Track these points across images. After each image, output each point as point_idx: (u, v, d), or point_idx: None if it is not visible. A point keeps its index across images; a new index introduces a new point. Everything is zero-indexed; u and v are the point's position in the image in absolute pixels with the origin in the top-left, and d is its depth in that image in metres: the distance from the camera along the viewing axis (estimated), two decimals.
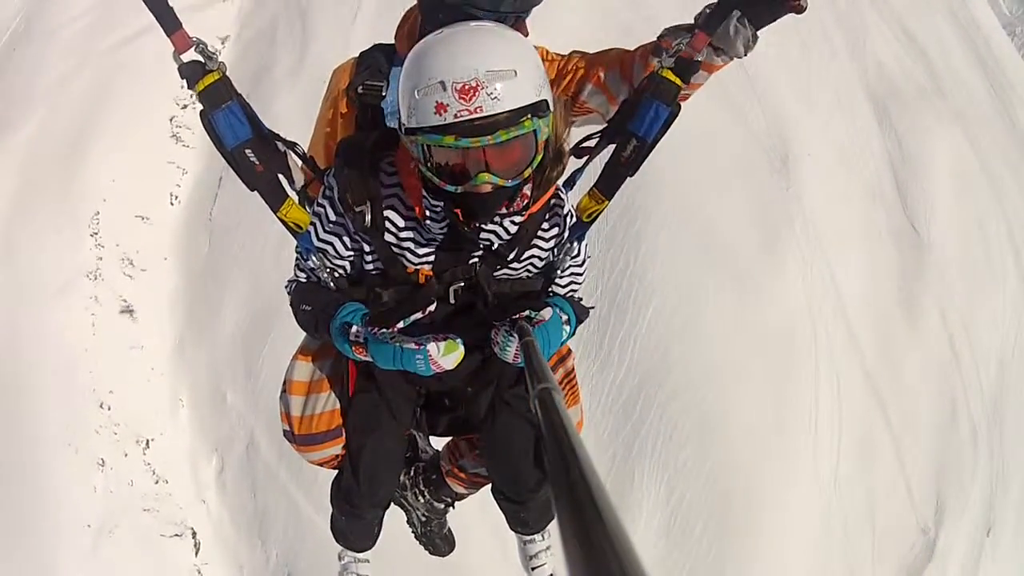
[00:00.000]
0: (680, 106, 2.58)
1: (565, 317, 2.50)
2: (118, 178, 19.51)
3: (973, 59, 29.70)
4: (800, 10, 2.67)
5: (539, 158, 2.25)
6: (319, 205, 2.58)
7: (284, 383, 3.10)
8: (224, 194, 18.09)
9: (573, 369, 3.30)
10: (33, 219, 19.08)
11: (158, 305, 18.82)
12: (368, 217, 2.46)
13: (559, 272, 2.77)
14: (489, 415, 3.01)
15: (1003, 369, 18.00)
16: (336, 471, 3.26)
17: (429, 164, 2.17)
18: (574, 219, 2.72)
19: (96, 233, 18.94)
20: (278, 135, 2.72)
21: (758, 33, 2.72)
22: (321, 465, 3.24)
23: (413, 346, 2.23)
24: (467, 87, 1.95)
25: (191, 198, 19.73)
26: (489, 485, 3.50)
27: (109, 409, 15.97)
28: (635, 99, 2.58)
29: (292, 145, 2.76)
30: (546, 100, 2.15)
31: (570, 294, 2.88)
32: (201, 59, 2.46)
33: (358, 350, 2.38)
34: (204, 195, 18.76)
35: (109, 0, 25.85)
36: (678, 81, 2.51)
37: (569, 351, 3.28)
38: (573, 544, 0.72)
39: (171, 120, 21.18)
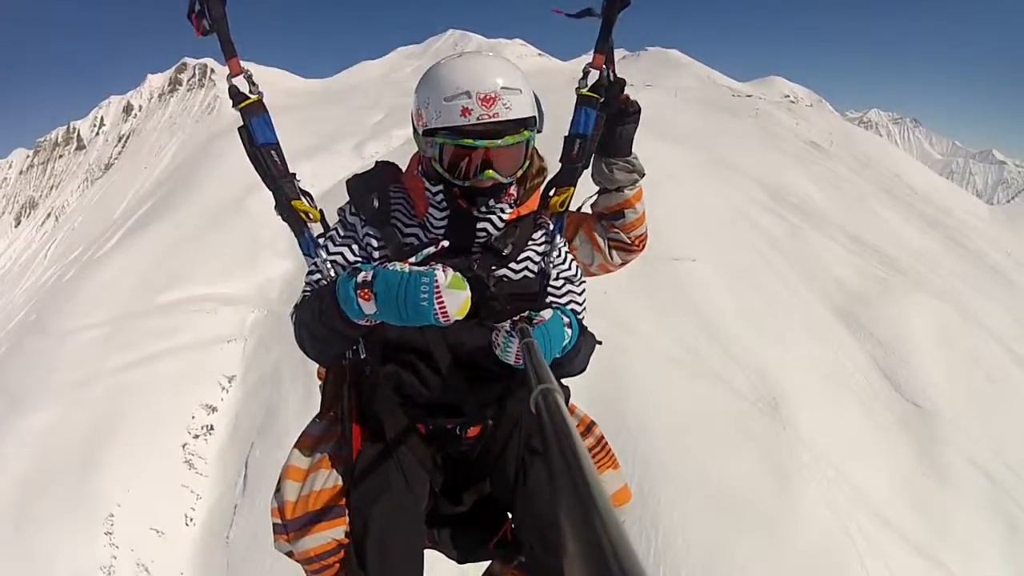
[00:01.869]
0: (600, 107, 3.07)
1: (567, 320, 2.53)
2: (132, 490, 20.49)
3: (920, 223, 32.59)
4: (634, 106, 3.19)
5: (527, 164, 2.63)
6: (332, 230, 2.79)
7: (280, 477, 2.82)
8: (241, 520, 18.66)
9: (603, 436, 3.21)
10: (45, 508, 19.95)
11: None
12: (376, 202, 2.71)
13: (553, 278, 2.85)
14: (520, 472, 2.78)
15: None
16: None
17: (442, 160, 2.51)
18: (552, 227, 2.93)
19: (110, 533, 19.46)
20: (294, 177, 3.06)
21: (630, 159, 3.22)
22: (319, 568, 2.69)
23: (420, 269, 2.20)
24: (488, 97, 2.35)
25: (207, 521, 20.51)
26: None
27: None
28: (570, 131, 3.05)
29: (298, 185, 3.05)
30: (535, 117, 2.56)
31: (571, 305, 2.86)
32: (246, 85, 2.98)
33: (364, 294, 2.25)
34: (220, 520, 19.52)
35: (122, 319, 28.21)
36: (593, 95, 3.01)
37: (593, 421, 3.23)
38: (575, 541, 0.75)
39: (183, 447, 22.53)
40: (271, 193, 3.03)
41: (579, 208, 3.39)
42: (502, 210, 2.69)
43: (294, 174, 3.05)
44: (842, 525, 15.96)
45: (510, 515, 2.95)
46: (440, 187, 2.60)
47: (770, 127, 43.82)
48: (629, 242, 3.35)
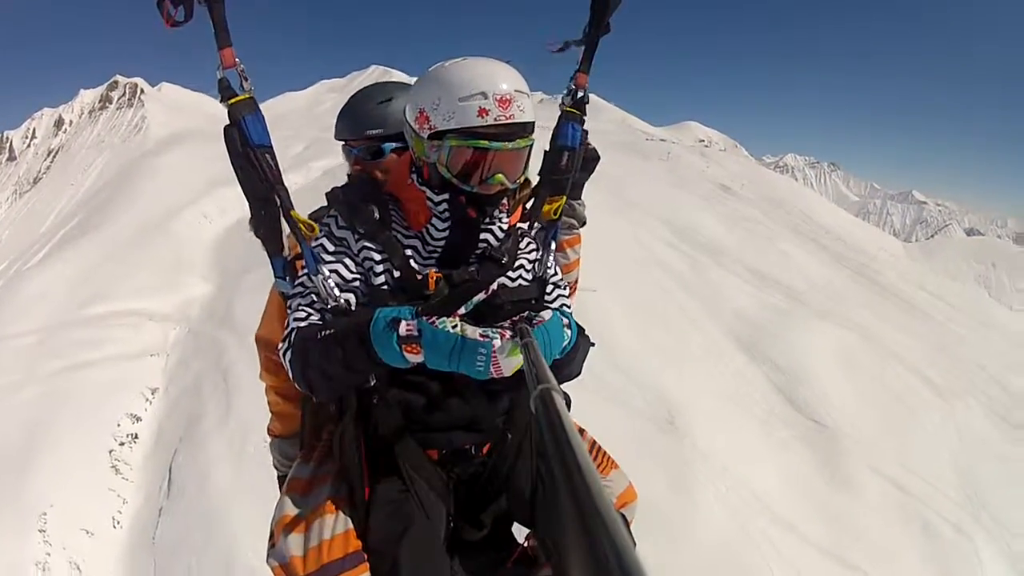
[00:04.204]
0: (584, 122, 3.18)
1: (566, 321, 2.48)
2: (63, 492, 20.87)
3: (828, 260, 34.16)
4: (593, 154, 3.36)
5: (526, 170, 2.59)
6: (315, 247, 2.60)
7: (273, 531, 2.61)
8: (165, 522, 19.29)
9: (595, 440, 3.23)
10: None
11: None
12: (377, 214, 2.58)
13: (547, 285, 2.89)
14: (538, 483, 2.74)
15: (959, 468, 20.78)
16: None
17: (449, 165, 2.42)
18: (546, 234, 2.99)
19: (43, 531, 19.83)
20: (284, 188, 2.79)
21: (573, 204, 3.47)
22: None
23: (478, 337, 2.10)
24: (505, 99, 2.31)
25: (133, 525, 20.91)
26: None
27: None
28: (553, 143, 3.13)
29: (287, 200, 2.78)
30: (535, 122, 2.50)
31: (563, 308, 2.89)
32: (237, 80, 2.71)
33: (410, 349, 2.16)
34: (146, 522, 20.00)
35: (50, 328, 28.41)
36: (576, 111, 3.13)
37: (582, 428, 3.17)
38: (575, 539, 0.76)
39: (110, 453, 22.90)
40: (251, 206, 2.81)
41: None
42: (501, 219, 2.67)
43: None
44: (742, 528, 16.93)
45: (527, 529, 2.90)
46: (445, 196, 2.52)
47: (680, 170, 45.25)
48: None
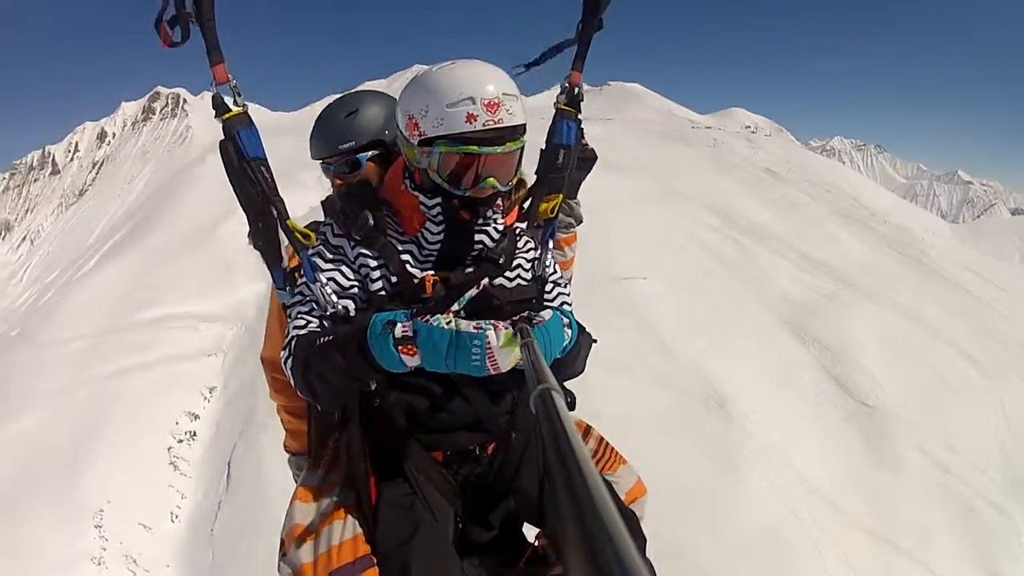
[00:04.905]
0: (580, 120, 3.12)
1: (566, 320, 2.43)
2: (119, 488, 21.33)
3: (873, 240, 33.76)
4: (590, 153, 3.29)
5: (519, 172, 2.57)
6: (312, 255, 2.59)
7: (283, 540, 2.63)
8: (224, 515, 19.67)
9: (602, 437, 3.18)
10: (33, 504, 20.74)
11: None
12: (371, 220, 2.56)
13: (546, 284, 2.88)
14: (546, 487, 2.69)
15: (1004, 449, 20.52)
16: None
17: (440, 171, 2.39)
18: (544, 233, 2.96)
19: (100, 527, 20.30)
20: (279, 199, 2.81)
21: (570, 202, 3.36)
22: None
23: (472, 329, 2.08)
24: (493, 103, 2.27)
25: (191, 518, 21.35)
26: None
27: None
28: (549, 141, 3.06)
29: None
30: (526, 124, 2.47)
31: (564, 307, 2.87)
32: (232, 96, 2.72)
33: (406, 350, 2.13)
34: (205, 516, 20.41)
35: (104, 333, 29.14)
36: (571, 109, 3.06)
37: (589, 425, 3.20)
38: (574, 539, 0.76)
39: (169, 450, 23.42)
40: (249, 218, 2.79)
41: None
42: (496, 220, 2.64)
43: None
44: (790, 509, 16.94)
45: (536, 529, 2.88)
46: (437, 200, 2.50)
47: (726, 156, 44.93)
48: None
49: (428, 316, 2.14)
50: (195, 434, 24.23)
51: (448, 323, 2.09)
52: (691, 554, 15.36)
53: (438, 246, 2.58)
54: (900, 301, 27.10)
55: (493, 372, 2.10)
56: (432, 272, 2.54)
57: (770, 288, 26.94)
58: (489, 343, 2.06)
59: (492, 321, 2.12)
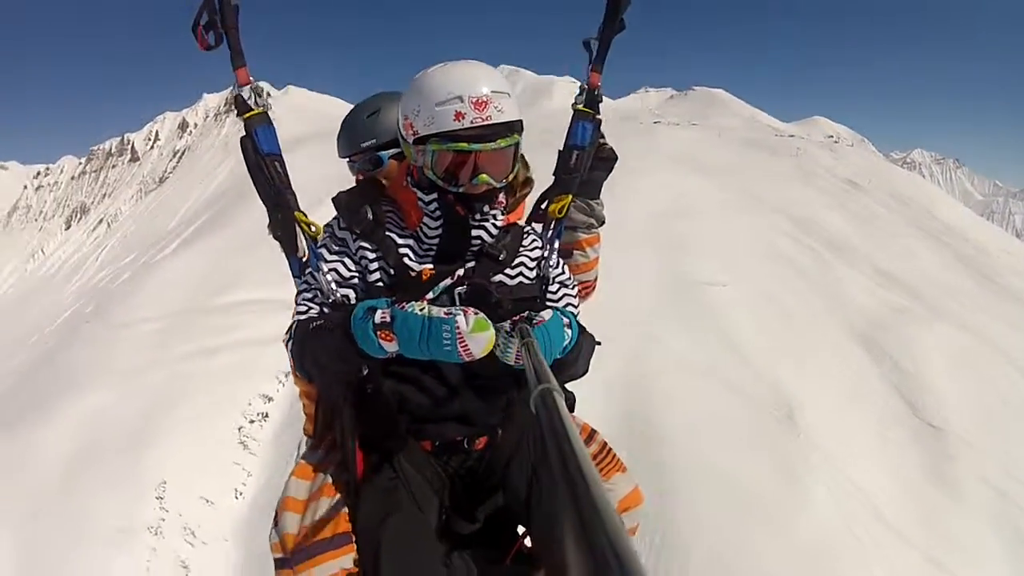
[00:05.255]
0: (600, 121, 3.20)
1: (566, 320, 2.46)
2: (184, 464, 21.94)
3: (948, 257, 33.07)
4: (608, 154, 3.31)
5: (517, 167, 2.59)
6: (320, 247, 2.70)
7: (276, 511, 2.73)
8: None
9: (606, 442, 3.10)
10: (97, 474, 21.43)
11: (214, 574, 20.29)
12: (370, 214, 2.66)
13: (550, 283, 2.86)
14: (532, 482, 2.68)
15: None
16: None
17: (434, 168, 2.45)
18: (551, 232, 3.02)
19: (161, 498, 20.88)
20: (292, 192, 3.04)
21: (589, 202, 3.32)
22: None
23: (442, 314, 2.17)
24: (481, 101, 2.32)
25: (256, 496, 21.77)
26: None
27: None
28: (565, 142, 3.16)
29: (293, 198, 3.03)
30: (522, 120, 2.53)
31: (568, 308, 2.84)
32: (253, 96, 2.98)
33: (384, 335, 2.23)
34: (270, 496, 20.88)
35: (181, 314, 30.05)
36: (588, 110, 3.16)
37: (594, 429, 3.11)
38: (574, 539, 0.75)
39: (239, 429, 23.96)
40: (268, 209, 3.05)
41: None
42: (495, 216, 2.66)
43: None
44: (846, 523, 16.81)
45: (523, 528, 2.84)
46: (434, 196, 2.57)
47: (808, 166, 44.51)
48: None
49: (405, 303, 2.24)
50: (267, 415, 24.81)
51: (421, 309, 2.19)
52: (746, 557, 15.46)
53: (437, 240, 2.64)
54: (972, 320, 26.54)
55: (467, 358, 2.17)
56: (431, 266, 2.60)
57: (845, 300, 26.71)
58: (459, 328, 2.13)
59: (463, 307, 2.20)
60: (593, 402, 16.26)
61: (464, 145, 2.36)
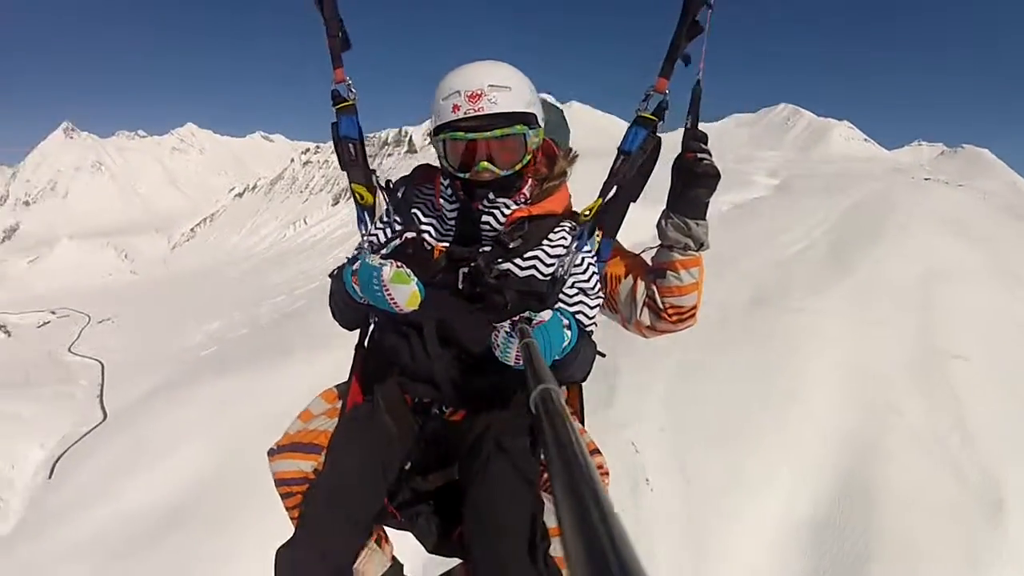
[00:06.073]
0: (660, 138, 3.06)
1: (566, 322, 2.53)
2: None
3: None
4: (705, 168, 3.02)
5: (528, 158, 2.75)
6: (379, 216, 3.17)
7: (296, 417, 3.11)
8: None
9: (604, 463, 3.10)
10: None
11: None
12: (401, 194, 3.05)
13: (567, 285, 2.87)
14: (484, 464, 2.59)
15: None
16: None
17: (446, 156, 2.74)
18: (581, 233, 2.97)
19: None
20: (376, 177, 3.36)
21: (686, 220, 3.06)
22: (284, 492, 2.88)
23: (377, 263, 2.51)
24: (474, 94, 2.56)
25: None
26: None
27: None
28: (619, 148, 3.09)
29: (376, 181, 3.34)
30: (534, 114, 2.71)
31: (579, 316, 2.84)
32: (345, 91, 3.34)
33: (355, 280, 2.63)
34: None
35: None
36: (654, 117, 3.02)
37: (597, 448, 3.10)
38: (575, 541, 0.74)
39: None
40: (348, 176, 3.40)
41: (643, 251, 3.36)
42: (505, 205, 2.83)
43: (374, 170, 3.36)
44: None
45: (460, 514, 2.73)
46: (448, 181, 2.87)
47: None
48: (661, 307, 3.16)
49: (373, 256, 2.63)
50: None
51: (376, 262, 2.56)
52: None
53: (454, 222, 2.91)
54: None
55: (396, 308, 2.56)
56: (447, 245, 2.89)
57: None
58: (384, 277, 2.50)
59: (394, 261, 2.57)
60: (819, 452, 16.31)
61: (460, 134, 2.64)
